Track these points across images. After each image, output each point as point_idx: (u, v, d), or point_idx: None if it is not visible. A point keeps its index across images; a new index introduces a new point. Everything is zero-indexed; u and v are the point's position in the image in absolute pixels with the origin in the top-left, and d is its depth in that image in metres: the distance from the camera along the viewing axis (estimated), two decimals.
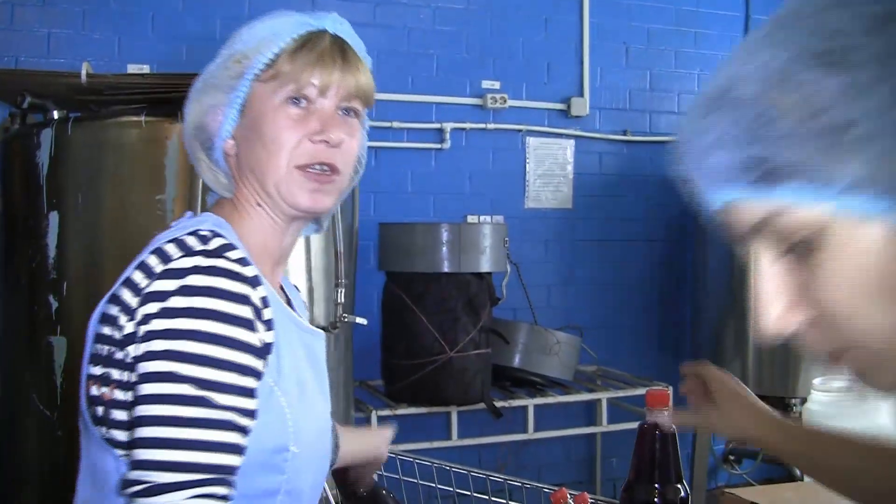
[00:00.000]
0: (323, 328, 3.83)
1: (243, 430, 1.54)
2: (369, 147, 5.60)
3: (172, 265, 1.57)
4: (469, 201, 6.08)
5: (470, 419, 5.30)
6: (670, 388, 5.49)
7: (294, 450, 1.68)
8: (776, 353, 5.34)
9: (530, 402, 5.29)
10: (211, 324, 1.52)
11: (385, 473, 2.61)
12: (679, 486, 1.75)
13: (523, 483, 2.43)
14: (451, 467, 2.43)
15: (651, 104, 6.61)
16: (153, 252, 1.61)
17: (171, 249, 1.59)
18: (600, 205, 6.43)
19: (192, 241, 1.60)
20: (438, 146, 5.96)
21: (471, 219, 6.02)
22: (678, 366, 6.43)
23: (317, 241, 3.86)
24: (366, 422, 4.92)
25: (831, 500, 1.66)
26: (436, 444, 5.16)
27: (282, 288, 1.93)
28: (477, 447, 5.72)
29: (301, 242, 3.81)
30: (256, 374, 1.57)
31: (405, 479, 2.50)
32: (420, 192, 5.93)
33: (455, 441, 5.14)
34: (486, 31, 6.12)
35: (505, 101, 6.07)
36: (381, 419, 4.93)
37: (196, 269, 1.55)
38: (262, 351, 1.59)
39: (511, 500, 2.42)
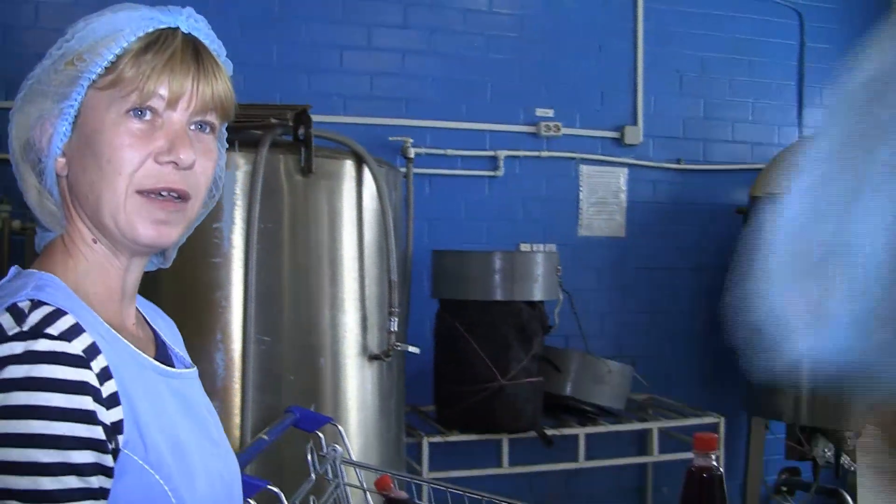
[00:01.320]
0: (376, 356, 3.87)
1: None
2: (424, 174, 5.67)
3: None
4: (522, 229, 6.09)
5: (521, 447, 5.30)
6: (722, 418, 5.51)
7: None
8: (830, 385, 5.28)
9: (581, 431, 5.29)
10: (36, 423, 1.25)
11: None
12: None
13: None
14: (501, 501, 2.43)
15: (705, 132, 6.60)
16: None
17: None
18: (653, 233, 6.43)
19: (5, 322, 1.31)
20: (492, 174, 5.99)
21: (524, 246, 6.04)
22: (731, 395, 6.40)
23: (370, 269, 3.89)
24: (417, 447, 4.95)
25: None
26: (486, 472, 5.16)
27: (147, 322, 1.72)
28: (528, 475, 5.72)
29: (354, 270, 3.84)
30: (103, 471, 1.31)
31: None
32: (473, 220, 5.96)
33: (506, 469, 5.14)
34: (539, 58, 6.14)
35: (558, 128, 6.09)
36: (432, 445, 4.96)
37: (11, 359, 1.27)
38: (108, 441, 1.33)
39: None
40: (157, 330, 1.72)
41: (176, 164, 1.47)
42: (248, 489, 1.94)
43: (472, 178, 5.98)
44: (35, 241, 1.59)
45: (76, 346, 1.31)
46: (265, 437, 2.34)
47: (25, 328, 1.30)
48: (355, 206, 3.85)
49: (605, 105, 6.32)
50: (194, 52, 1.51)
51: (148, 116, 1.46)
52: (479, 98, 6.01)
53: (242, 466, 2.12)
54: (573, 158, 6.21)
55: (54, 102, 1.46)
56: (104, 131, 1.44)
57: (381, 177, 3.90)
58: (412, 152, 5.60)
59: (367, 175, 3.86)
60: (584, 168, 6.24)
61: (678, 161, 6.50)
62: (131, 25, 1.47)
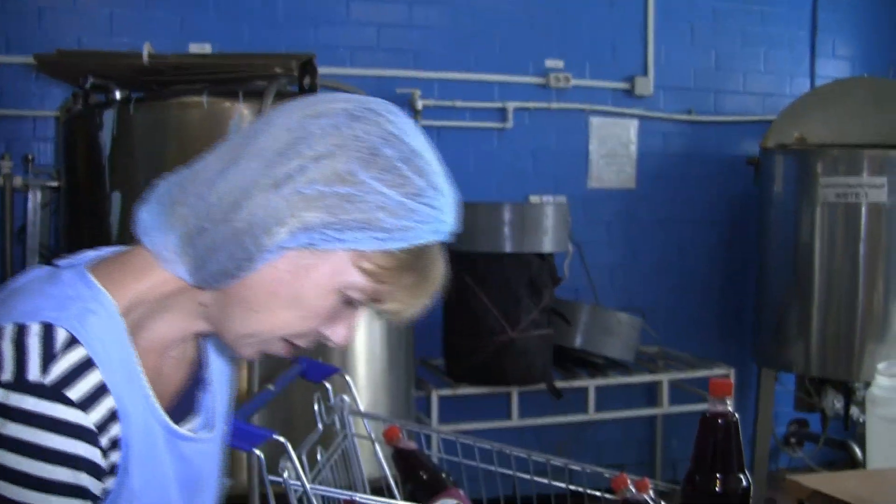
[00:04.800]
0: None
1: None
2: (432, 127, 5.62)
3: None
4: (531, 181, 6.05)
5: (530, 400, 5.29)
6: (732, 370, 5.49)
7: None
8: (840, 337, 5.27)
9: (591, 383, 5.27)
10: (31, 495, 1.16)
11: (445, 456, 2.61)
12: (741, 475, 1.72)
13: (584, 467, 2.41)
14: (510, 451, 2.41)
15: (716, 83, 6.53)
16: None
17: None
18: (664, 185, 6.38)
19: (32, 349, 1.19)
20: (501, 126, 5.94)
21: (533, 199, 5.99)
22: (741, 348, 6.38)
23: None
24: (426, 401, 4.94)
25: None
26: (496, 424, 5.16)
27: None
28: (537, 428, 5.71)
29: None
30: None
31: (465, 461, 2.48)
32: (482, 172, 5.90)
33: (515, 421, 5.13)
34: (550, 9, 6.07)
35: (568, 80, 6.02)
36: (442, 399, 4.94)
37: (24, 416, 1.16)
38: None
39: (571, 483, 2.39)
40: (204, 368, 1.55)
41: (329, 339, 1.36)
42: (254, 438, 1.90)
43: (480, 130, 5.93)
44: (138, 223, 1.44)
45: (92, 418, 1.20)
46: (271, 387, 2.30)
47: (47, 381, 1.17)
48: None
49: (615, 56, 6.25)
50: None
51: (351, 304, 1.33)
52: (487, 49, 5.95)
53: (249, 416, 2.09)
54: (583, 110, 6.15)
55: (314, 215, 1.24)
56: (307, 294, 1.29)
57: None
58: (420, 104, 5.55)
59: None
60: (594, 120, 6.18)
61: (689, 112, 6.43)
62: (425, 227, 1.27)
